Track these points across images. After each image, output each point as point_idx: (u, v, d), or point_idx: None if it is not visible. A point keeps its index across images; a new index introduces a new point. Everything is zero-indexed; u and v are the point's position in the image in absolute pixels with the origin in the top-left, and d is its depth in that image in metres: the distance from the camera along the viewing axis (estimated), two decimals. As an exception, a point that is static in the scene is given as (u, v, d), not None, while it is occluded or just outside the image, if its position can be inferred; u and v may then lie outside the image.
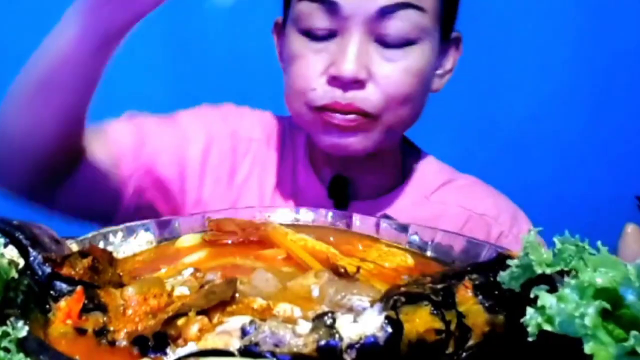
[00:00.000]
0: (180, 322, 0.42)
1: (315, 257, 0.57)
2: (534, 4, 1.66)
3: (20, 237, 0.48)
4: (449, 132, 1.64)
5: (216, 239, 0.63)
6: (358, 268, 0.53)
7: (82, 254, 0.51)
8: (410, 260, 0.60)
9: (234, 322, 0.40)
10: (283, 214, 0.69)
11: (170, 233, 0.64)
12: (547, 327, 0.33)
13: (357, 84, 0.76)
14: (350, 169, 0.87)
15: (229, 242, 0.63)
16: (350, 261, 0.57)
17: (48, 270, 0.47)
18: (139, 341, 0.42)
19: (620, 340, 0.31)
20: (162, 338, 0.41)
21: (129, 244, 0.61)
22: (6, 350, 0.36)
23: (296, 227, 0.66)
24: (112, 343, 0.42)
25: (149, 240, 0.62)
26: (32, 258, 0.47)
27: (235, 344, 0.38)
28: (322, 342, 0.37)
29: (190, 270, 0.53)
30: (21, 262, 0.46)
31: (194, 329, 0.41)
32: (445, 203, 0.90)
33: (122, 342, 0.42)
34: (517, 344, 0.37)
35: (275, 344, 0.37)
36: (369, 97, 0.76)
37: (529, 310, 0.34)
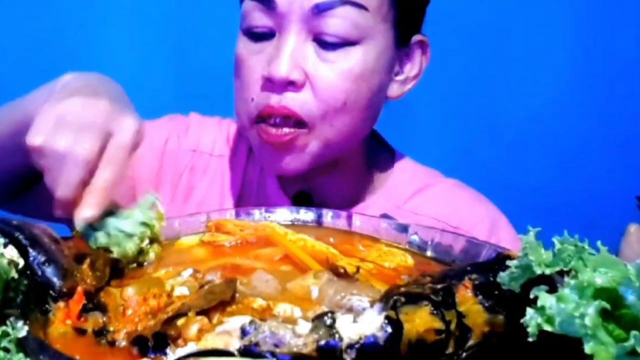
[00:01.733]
0: (180, 322, 0.42)
1: (315, 257, 0.57)
2: (534, 5, 1.66)
3: (20, 237, 0.48)
4: (449, 132, 1.64)
5: (215, 240, 0.63)
6: (358, 268, 0.53)
7: (76, 258, 0.51)
8: (410, 260, 0.60)
9: (234, 322, 0.40)
10: (283, 213, 0.69)
11: (170, 233, 0.64)
12: (547, 328, 0.33)
13: (292, 86, 0.71)
14: (313, 182, 0.83)
15: (228, 242, 0.62)
16: (350, 261, 0.57)
17: (48, 269, 0.47)
18: (138, 341, 0.42)
19: (621, 340, 0.31)
20: (162, 338, 0.41)
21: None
22: (6, 350, 0.36)
23: (295, 227, 0.66)
24: (112, 343, 0.42)
25: (149, 241, 0.62)
26: (31, 258, 0.47)
27: (235, 344, 0.38)
28: (322, 342, 0.37)
29: (190, 270, 0.53)
30: (21, 262, 0.46)
31: (193, 329, 0.41)
32: (419, 214, 0.84)
33: (122, 342, 0.42)
34: (517, 344, 0.37)
35: (275, 344, 0.37)
36: (304, 102, 0.72)
37: (529, 311, 0.34)
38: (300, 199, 0.83)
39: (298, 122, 0.73)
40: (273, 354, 0.37)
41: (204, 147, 0.89)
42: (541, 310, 0.34)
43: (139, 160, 0.81)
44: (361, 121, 0.77)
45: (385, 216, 0.77)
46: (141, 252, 0.56)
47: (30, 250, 0.47)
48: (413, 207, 0.85)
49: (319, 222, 0.69)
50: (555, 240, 0.38)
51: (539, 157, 1.72)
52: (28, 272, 0.47)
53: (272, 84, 0.72)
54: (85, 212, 0.53)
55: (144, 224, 0.56)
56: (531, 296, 0.35)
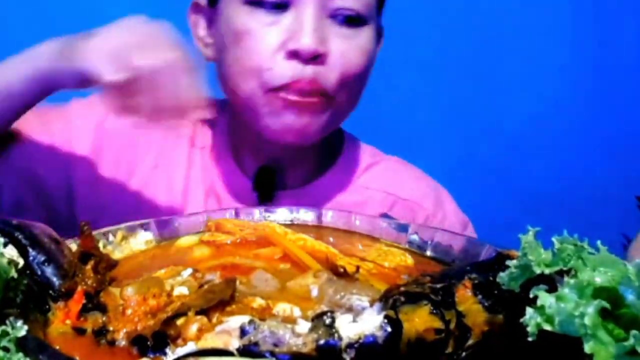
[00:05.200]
0: (180, 321, 0.42)
1: (315, 256, 0.57)
2: (535, 5, 1.66)
3: (20, 237, 0.48)
4: (450, 132, 1.64)
5: (215, 239, 0.63)
6: (357, 268, 0.53)
7: (81, 258, 0.51)
8: (409, 260, 0.60)
9: (234, 322, 0.40)
10: (282, 213, 0.69)
11: (169, 233, 0.64)
12: (547, 327, 0.33)
13: (318, 59, 0.73)
14: (279, 158, 0.84)
15: (228, 242, 0.62)
16: (350, 261, 0.57)
17: (49, 270, 0.47)
18: (138, 341, 0.42)
19: (620, 340, 0.31)
20: (162, 338, 0.41)
21: (128, 243, 0.61)
22: (5, 349, 0.36)
23: (295, 226, 0.66)
24: (112, 343, 0.42)
25: (148, 240, 0.62)
26: (31, 258, 0.47)
27: (234, 344, 0.38)
28: (322, 342, 0.37)
29: (190, 270, 0.53)
30: (21, 262, 0.46)
31: (193, 329, 0.41)
32: (370, 188, 0.89)
33: (122, 342, 0.42)
34: (517, 344, 0.37)
35: (274, 343, 0.37)
36: (328, 75, 0.74)
37: (529, 310, 0.34)
38: (263, 176, 0.84)
39: (321, 93, 0.75)
40: (272, 354, 0.37)
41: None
42: (541, 309, 0.34)
43: (74, 143, 0.83)
44: (360, 97, 0.82)
45: (385, 216, 0.77)
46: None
47: (30, 250, 0.48)
48: (365, 182, 0.89)
49: (319, 221, 0.69)
50: (554, 239, 0.38)
51: (540, 157, 1.72)
52: (28, 271, 0.47)
53: (298, 57, 0.73)
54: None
55: None
56: (531, 295, 0.35)
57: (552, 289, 0.35)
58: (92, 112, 0.85)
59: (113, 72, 0.63)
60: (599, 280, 0.33)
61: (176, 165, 0.86)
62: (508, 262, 0.39)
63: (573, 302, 0.33)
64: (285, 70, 0.73)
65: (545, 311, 0.34)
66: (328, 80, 0.74)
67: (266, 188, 0.84)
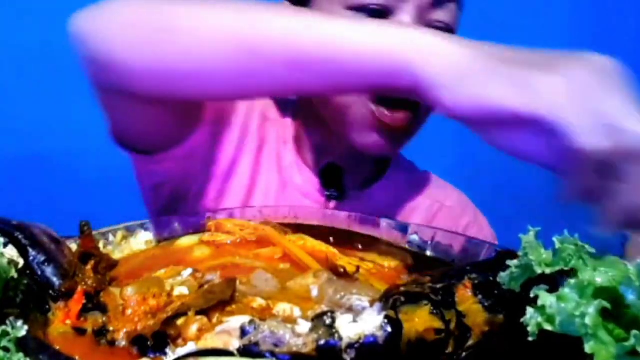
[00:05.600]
0: (180, 322, 0.42)
1: (315, 256, 0.57)
2: (535, 5, 1.66)
3: (20, 236, 0.48)
4: (451, 131, 1.64)
5: (215, 239, 0.63)
6: (357, 268, 0.53)
7: (81, 258, 0.51)
8: (409, 260, 0.60)
9: (234, 322, 0.40)
10: (282, 213, 0.69)
11: (169, 233, 0.64)
12: (548, 327, 0.33)
13: None
14: (344, 160, 0.84)
15: (228, 242, 0.62)
16: (350, 261, 0.57)
17: (48, 269, 0.47)
18: (138, 341, 0.41)
19: (621, 340, 0.31)
20: (162, 338, 0.41)
21: (128, 243, 0.61)
22: (5, 349, 0.36)
23: (295, 226, 0.66)
24: (112, 343, 0.42)
25: (148, 240, 0.62)
26: (31, 258, 0.47)
27: (234, 344, 0.38)
28: (322, 342, 0.37)
29: (190, 270, 0.52)
30: (21, 262, 0.46)
31: (193, 329, 0.41)
32: (420, 194, 0.91)
33: (122, 342, 0.42)
34: (517, 344, 0.37)
35: (274, 343, 0.37)
36: None
37: (529, 310, 0.34)
38: (328, 172, 0.84)
39: (413, 105, 0.74)
40: (273, 354, 0.37)
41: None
42: (541, 309, 0.34)
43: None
44: None
45: (385, 216, 0.77)
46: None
47: (30, 250, 0.47)
48: (414, 189, 0.92)
49: (318, 221, 0.69)
50: (555, 239, 0.38)
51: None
52: (28, 271, 0.47)
53: None
54: None
55: None
56: (532, 295, 0.35)
57: (553, 289, 0.35)
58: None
59: (596, 137, 0.42)
60: (599, 280, 0.33)
61: (250, 158, 0.84)
62: (509, 262, 0.39)
63: (574, 302, 0.33)
64: None
65: (546, 311, 0.34)
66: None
67: (334, 186, 0.84)
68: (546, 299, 0.34)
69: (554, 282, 0.36)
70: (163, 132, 0.74)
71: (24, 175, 1.54)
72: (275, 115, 0.87)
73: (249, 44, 0.54)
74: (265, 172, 0.85)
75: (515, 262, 0.39)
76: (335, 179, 0.85)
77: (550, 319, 0.33)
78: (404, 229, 0.65)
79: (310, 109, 0.83)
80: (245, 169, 0.84)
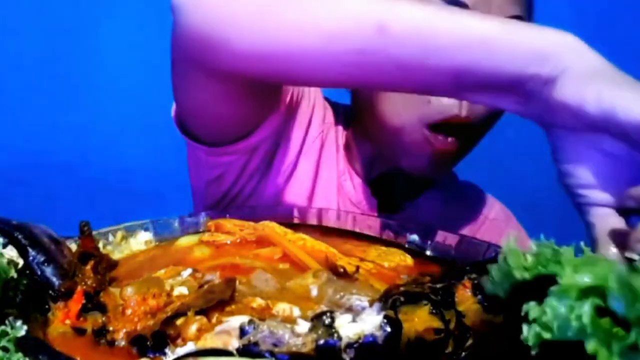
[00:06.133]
0: (179, 321, 0.42)
1: (314, 256, 0.57)
2: (536, 6, 1.65)
3: (20, 237, 0.48)
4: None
5: (215, 239, 0.63)
6: (357, 267, 0.53)
7: (81, 258, 0.51)
8: (409, 260, 0.60)
9: (233, 322, 0.40)
10: (283, 213, 0.69)
11: (169, 233, 0.64)
12: (547, 335, 0.33)
13: None
14: (392, 171, 0.84)
15: (228, 242, 0.63)
16: (350, 261, 0.57)
17: (48, 269, 0.47)
18: (137, 341, 0.41)
19: (620, 337, 0.31)
20: (161, 338, 0.41)
21: (128, 244, 0.61)
22: (5, 349, 0.36)
23: (295, 226, 0.66)
24: (111, 343, 0.42)
25: (148, 240, 0.62)
26: (31, 258, 0.47)
27: (234, 344, 0.38)
28: (321, 342, 0.37)
29: (189, 270, 0.53)
30: (20, 262, 0.46)
31: (193, 329, 0.41)
32: (464, 206, 0.94)
33: (121, 342, 0.42)
34: (517, 344, 0.37)
35: (274, 343, 0.37)
36: (475, 108, 0.72)
37: (524, 327, 0.34)
38: (379, 182, 0.85)
39: (464, 130, 0.74)
40: (272, 354, 0.37)
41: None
42: (536, 322, 0.33)
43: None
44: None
45: (385, 216, 0.77)
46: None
47: (30, 250, 0.47)
48: (459, 201, 0.95)
49: (318, 221, 0.69)
50: (532, 244, 0.37)
51: (541, 157, 1.72)
52: (27, 271, 0.47)
53: None
54: None
55: None
56: (522, 314, 0.34)
57: (539, 296, 0.34)
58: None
59: None
60: (587, 280, 0.33)
61: (309, 162, 0.84)
62: (488, 267, 0.39)
63: (566, 305, 0.33)
64: (447, 106, 0.72)
65: (542, 320, 0.33)
66: (475, 113, 0.73)
67: (386, 196, 0.85)
68: (536, 311, 0.33)
69: (539, 290, 0.35)
70: (237, 117, 0.70)
71: (24, 176, 1.55)
72: (330, 120, 0.87)
73: (383, 24, 0.48)
74: (325, 174, 0.85)
75: (494, 266, 0.38)
76: (386, 189, 0.85)
77: (547, 327, 0.33)
78: (404, 229, 0.65)
79: (362, 124, 0.83)
80: (309, 168, 0.83)
